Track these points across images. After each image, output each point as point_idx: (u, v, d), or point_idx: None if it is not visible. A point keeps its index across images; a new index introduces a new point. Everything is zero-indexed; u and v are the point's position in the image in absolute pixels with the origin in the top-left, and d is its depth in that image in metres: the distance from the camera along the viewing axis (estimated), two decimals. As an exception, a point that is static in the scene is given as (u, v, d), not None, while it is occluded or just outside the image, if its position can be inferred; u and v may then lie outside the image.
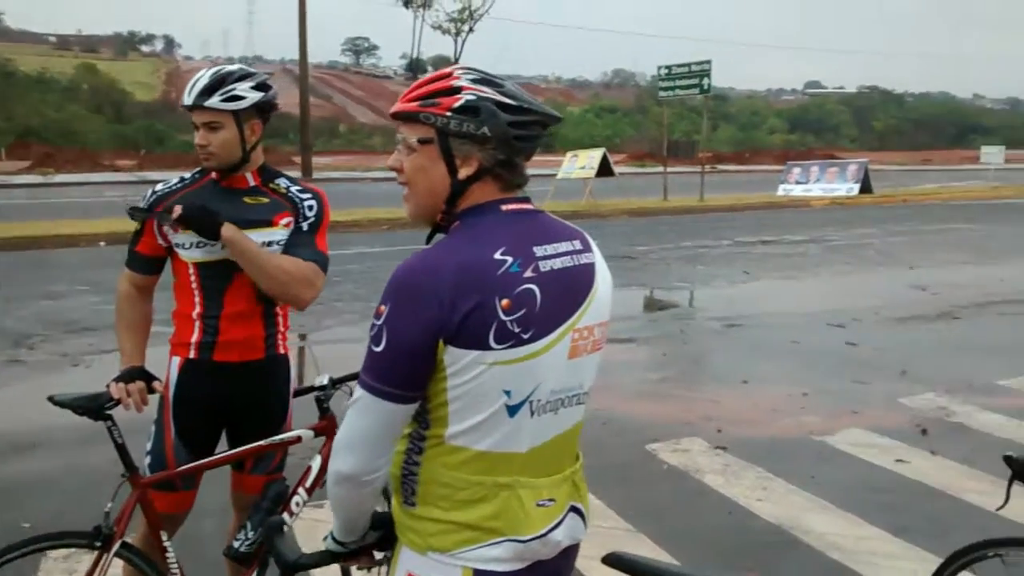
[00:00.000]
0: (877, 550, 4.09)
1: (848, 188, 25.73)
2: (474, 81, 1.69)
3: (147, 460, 2.92)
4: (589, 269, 1.78)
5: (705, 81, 22.37)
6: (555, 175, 23.82)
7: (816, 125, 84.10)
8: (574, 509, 1.82)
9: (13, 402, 6.53)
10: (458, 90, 1.68)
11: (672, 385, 6.97)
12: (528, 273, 1.65)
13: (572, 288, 1.73)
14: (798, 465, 5.18)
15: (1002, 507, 2.41)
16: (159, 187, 2.97)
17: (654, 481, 4.97)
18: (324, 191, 3.06)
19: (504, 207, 1.72)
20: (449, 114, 1.67)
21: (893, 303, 10.22)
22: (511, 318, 1.61)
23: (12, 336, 8.21)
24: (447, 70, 1.75)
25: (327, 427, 3.08)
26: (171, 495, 2.91)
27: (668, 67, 23.28)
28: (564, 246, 1.74)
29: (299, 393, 3.11)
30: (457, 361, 1.62)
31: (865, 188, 25.77)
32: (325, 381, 3.08)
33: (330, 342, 8.07)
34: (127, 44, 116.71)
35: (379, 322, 1.64)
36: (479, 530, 1.69)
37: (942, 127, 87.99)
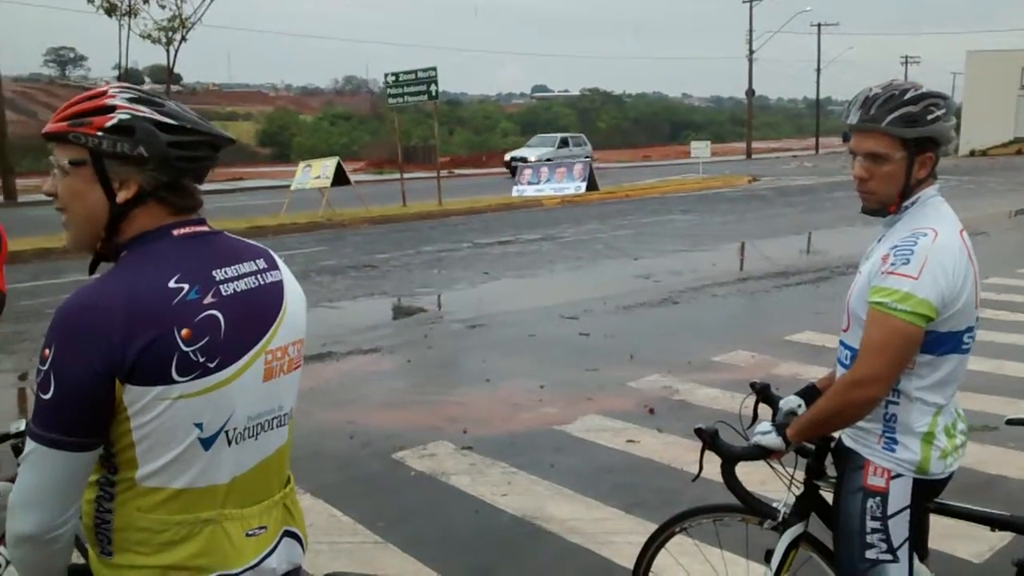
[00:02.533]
0: (613, 528, 4.33)
1: (576, 186, 27.11)
2: (131, 100, 1.61)
3: None
4: (276, 287, 1.73)
5: (433, 87, 22.71)
6: (289, 186, 23.27)
7: (545, 127, 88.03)
8: (289, 533, 1.78)
9: None
10: (112, 108, 1.59)
11: (418, 391, 7.00)
12: (209, 299, 1.59)
13: (259, 310, 1.68)
14: (539, 456, 5.38)
15: (696, 477, 2.62)
16: None
17: (402, 489, 4.97)
18: (1, 223, 2.78)
19: (176, 231, 1.64)
20: (101, 134, 1.58)
21: (620, 292, 10.89)
22: (193, 348, 1.54)
23: None
24: (103, 88, 1.66)
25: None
26: None
27: (396, 74, 23.41)
28: (247, 266, 1.69)
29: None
30: (138, 400, 1.53)
31: (592, 186, 27.28)
32: (22, 427, 2.80)
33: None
34: None
35: (44, 367, 1.51)
36: (185, 570, 1.60)
37: (658, 125, 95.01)
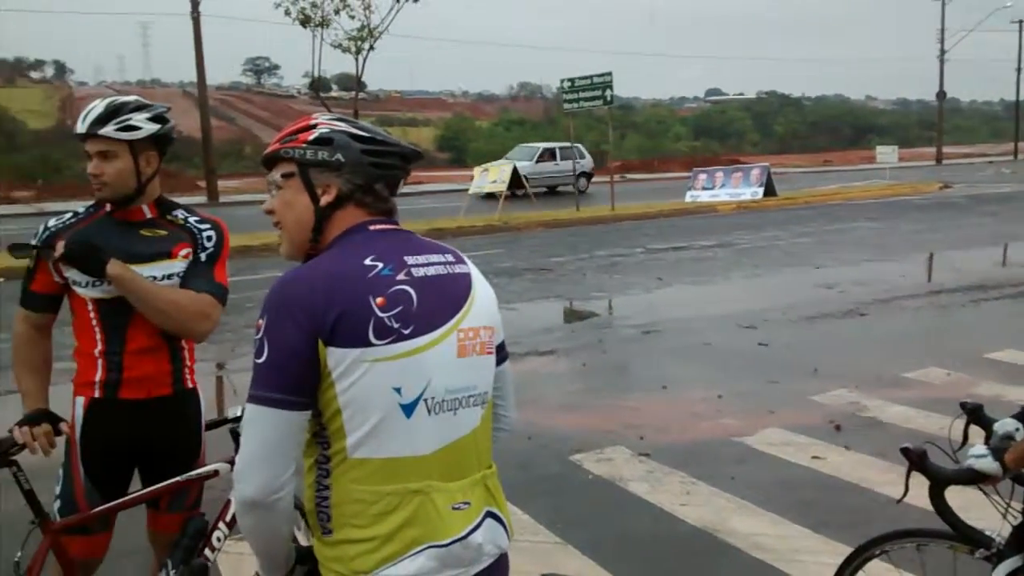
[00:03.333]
0: (800, 547, 4.19)
1: (753, 192, 26.41)
2: (331, 120, 1.85)
3: (56, 505, 2.80)
4: (464, 277, 1.86)
5: (608, 92, 22.69)
6: (467, 190, 23.84)
7: (719, 131, 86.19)
8: (491, 515, 1.84)
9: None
10: (314, 126, 1.83)
11: (594, 395, 7.02)
12: (401, 276, 1.74)
13: (449, 291, 1.80)
14: (719, 468, 5.28)
15: (902, 499, 2.50)
16: (52, 222, 2.88)
17: (579, 492, 4.99)
18: (223, 221, 3.00)
19: (372, 227, 1.81)
20: (305, 146, 1.80)
21: (801, 302, 10.52)
22: (388, 314, 1.68)
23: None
24: (308, 117, 1.90)
25: (245, 460, 3.02)
26: (85, 539, 2.80)
27: (571, 80, 23.55)
28: (436, 258, 1.83)
29: (212, 426, 3.03)
30: (340, 363, 1.66)
31: (769, 191, 26.50)
32: (239, 412, 3.01)
33: (246, 370, 7.88)
34: (14, 70, 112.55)
35: (259, 335, 1.68)
36: (398, 542, 1.69)
37: (839, 129, 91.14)
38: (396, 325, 1.68)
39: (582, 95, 23.36)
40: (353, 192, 1.81)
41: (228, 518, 2.95)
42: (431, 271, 1.79)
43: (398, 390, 1.68)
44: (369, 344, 1.65)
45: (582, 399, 6.92)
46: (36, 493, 2.65)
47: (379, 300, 1.68)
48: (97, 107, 2.75)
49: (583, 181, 30.31)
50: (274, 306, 1.68)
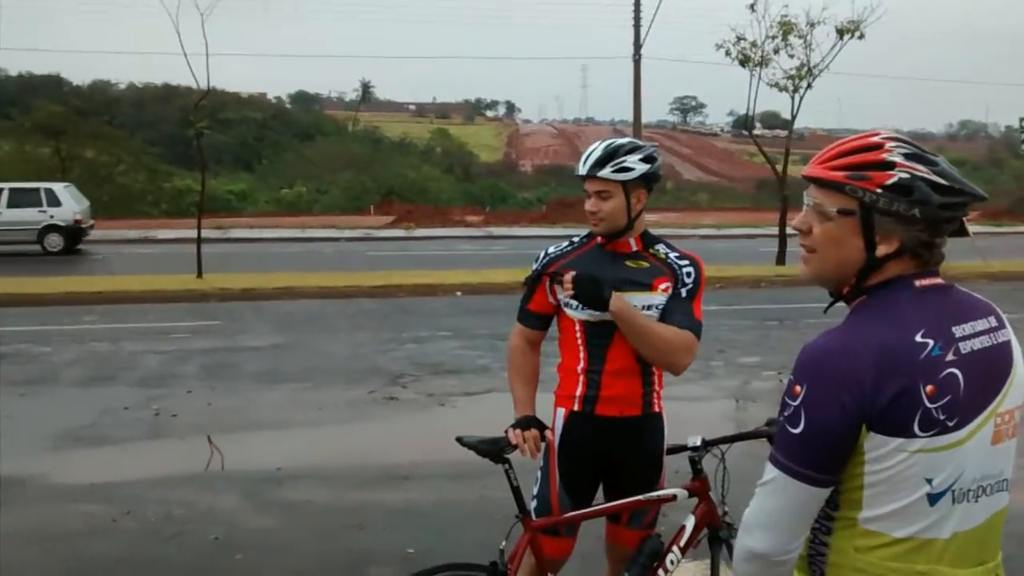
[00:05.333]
0: None
1: None
2: (907, 156, 1.62)
3: (533, 504, 3.09)
4: (1006, 348, 1.69)
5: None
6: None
7: None
8: None
9: (388, 435, 7.23)
10: (891, 165, 1.61)
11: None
12: (950, 356, 1.59)
13: (993, 370, 1.65)
14: None
15: None
16: (551, 250, 3.18)
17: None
18: (700, 257, 3.11)
19: (918, 282, 1.66)
20: (879, 191, 1.61)
21: None
22: (936, 405, 1.56)
23: (388, 375, 9.12)
24: (874, 139, 1.67)
25: (700, 488, 3.11)
26: (555, 540, 3.06)
27: (1033, 117, 21.05)
28: (981, 324, 1.67)
29: (672, 451, 3.15)
30: (878, 448, 1.58)
31: None
32: (698, 442, 3.11)
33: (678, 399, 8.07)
34: (474, 110, 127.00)
35: (795, 403, 1.62)
36: None
37: None
38: (942, 417, 1.58)
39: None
40: (916, 247, 1.65)
41: (682, 543, 3.06)
42: (976, 344, 1.65)
43: (929, 481, 1.60)
44: (912, 435, 1.57)
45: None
46: (521, 492, 2.95)
47: (929, 388, 1.57)
48: (596, 150, 2.99)
49: None
50: (817, 376, 1.61)
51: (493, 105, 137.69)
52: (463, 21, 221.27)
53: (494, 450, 2.92)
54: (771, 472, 1.67)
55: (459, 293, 15.03)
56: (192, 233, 17.64)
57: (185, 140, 45.22)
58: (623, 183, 2.94)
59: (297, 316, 12.95)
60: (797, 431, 1.62)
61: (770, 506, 1.67)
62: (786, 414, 1.64)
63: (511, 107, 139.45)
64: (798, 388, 1.62)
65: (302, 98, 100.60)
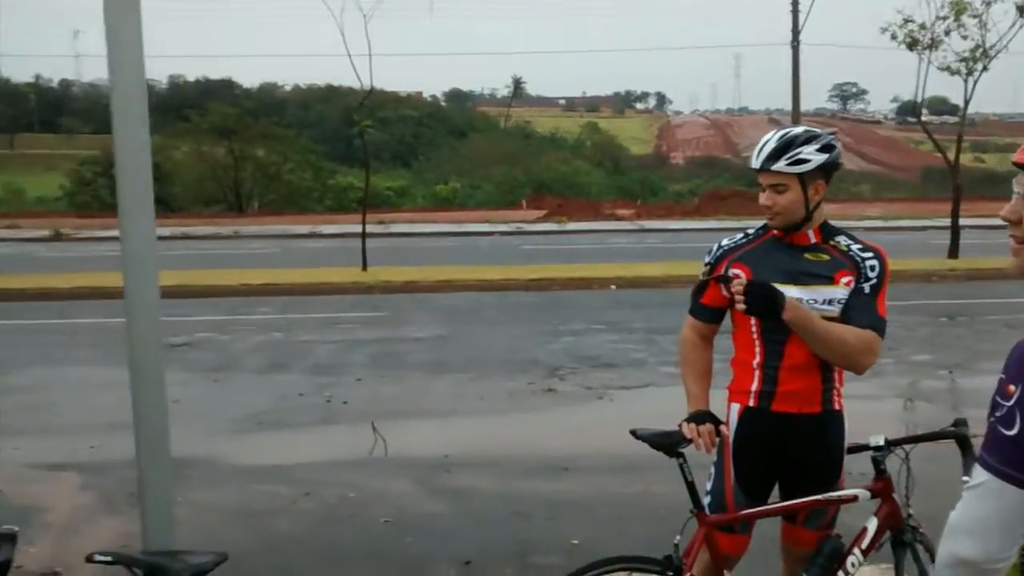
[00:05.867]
0: None
1: None
2: None
3: (707, 500, 3.07)
4: None
5: None
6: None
7: None
8: None
9: (549, 427, 7.33)
10: None
11: None
12: None
13: None
14: None
15: None
16: (725, 242, 3.13)
17: None
18: (884, 249, 3.01)
19: None
20: None
21: None
22: None
23: (546, 367, 9.23)
24: None
25: (883, 489, 3.03)
26: (731, 537, 3.04)
27: None
28: None
29: (853, 450, 3.07)
30: None
31: None
32: (880, 441, 3.03)
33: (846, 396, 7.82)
34: (624, 102, 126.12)
35: (1009, 403, 1.56)
36: None
37: None
38: None
39: None
40: None
41: (864, 545, 2.99)
42: None
43: None
44: None
45: None
46: (695, 486, 2.95)
47: None
48: (770, 142, 2.91)
49: None
50: None
51: (643, 97, 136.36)
52: (612, 14, 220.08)
53: (668, 444, 2.92)
54: (981, 475, 1.61)
55: (614, 287, 15.01)
56: (355, 228, 18.34)
57: (347, 139, 47.12)
58: (799, 175, 2.87)
59: (457, 308, 13.28)
60: (1012, 433, 1.56)
61: (980, 511, 1.62)
62: (998, 415, 1.59)
63: (662, 99, 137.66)
64: (1012, 388, 1.56)
65: (456, 96, 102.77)
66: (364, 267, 16.39)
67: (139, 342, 2.77)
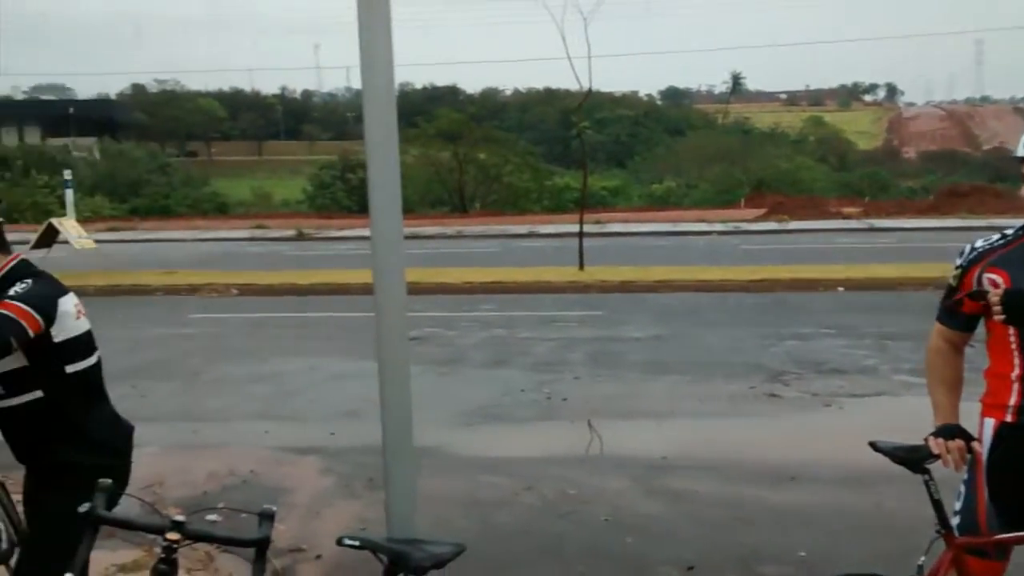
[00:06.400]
0: None
1: None
2: None
3: (956, 520, 2.88)
4: None
5: None
6: None
7: None
8: None
9: (772, 433, 7.11)
10: None
11: None
12: None
13: None
14: None
15: None
16: (979, 243, 2.92)
17: None
18: None
19: None
20: None
21: None
22: None
23: (769, 371, 8.96)
24: None
25: None
26: (982, 562, 2.84)
27: None
28: None
29: None
30: None
31: None
32: None
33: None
34: (850, 95, 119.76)
35: None
36: None
37: None
38: None
39: None
40: None
41: None
42: None
43: None
44: None
45: None
46: (943, 505, 2.77)
47: None
48: None
49: None
50: None
51: (872, 89, 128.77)
52: (835, 2, 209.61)
53: (913, 459, 2.77)
54: None
55: (841, 288, 14.31)
56: (572, 228, 18.54)
57: (563, 140, 47.74)
58: None
59: (675, 308, 13.14)
60: None
61: None
62: None
63: (892, 90, 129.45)
64: None
65: (672, 94, 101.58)
66: (581, 266, 16.55)
67: (387, 337, 2.95)
